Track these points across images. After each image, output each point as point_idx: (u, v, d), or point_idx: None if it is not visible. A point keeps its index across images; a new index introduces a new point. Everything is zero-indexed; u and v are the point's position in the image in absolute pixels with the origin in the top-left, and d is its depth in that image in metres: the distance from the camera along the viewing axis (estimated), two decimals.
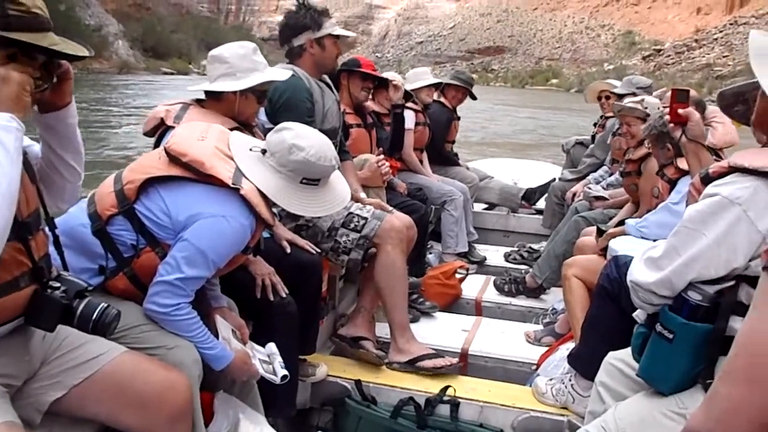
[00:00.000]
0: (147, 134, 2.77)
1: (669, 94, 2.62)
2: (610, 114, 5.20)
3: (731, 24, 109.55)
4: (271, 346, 2.47)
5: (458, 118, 5.88)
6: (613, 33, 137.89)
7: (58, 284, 1.64)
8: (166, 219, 2.08)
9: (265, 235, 2.61)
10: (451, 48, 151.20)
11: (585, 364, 2.71)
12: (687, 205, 1.85)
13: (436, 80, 5.33)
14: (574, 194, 5.16)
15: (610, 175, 5.11)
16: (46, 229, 1.76)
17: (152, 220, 2.09)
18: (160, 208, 2.09)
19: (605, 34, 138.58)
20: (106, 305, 1.69)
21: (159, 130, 2.71)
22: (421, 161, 5.23)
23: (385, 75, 4.45)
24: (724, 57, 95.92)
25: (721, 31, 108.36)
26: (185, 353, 2.04)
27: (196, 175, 2.10)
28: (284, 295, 2.66)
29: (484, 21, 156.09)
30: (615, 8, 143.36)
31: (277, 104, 3.16)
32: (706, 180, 1.75)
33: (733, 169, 1.66)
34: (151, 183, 2.11)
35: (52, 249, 1.79)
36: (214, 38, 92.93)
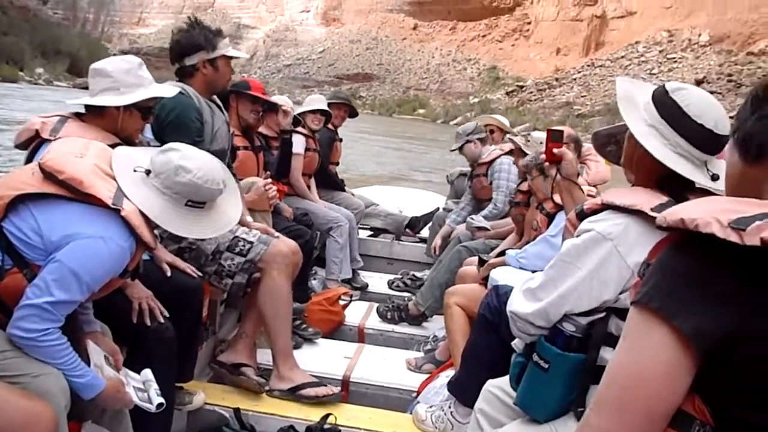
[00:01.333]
0: (19, 147, 2.61)
1: (545, 134, 2.74)
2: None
3: (588, 65, 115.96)
4: (147, 373, 2.36)
5: (340, 140, 5.92)
6: (479, 67, 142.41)
7: None
8: (36, 239, 1.96)
9: (145, 257, 2.51)
10: (320, 72, 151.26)
11: (464, 392, 2.76)
12: (563, 239, 1.94)
13: (324, 106, 5.35)
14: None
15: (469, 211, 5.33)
16: None
17: (21, 239, 1.96)
18: (30, 227, 1.96)
19: (471, 67, 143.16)
20: None
21: (33, 143, 2.56)
22: (308, 186, 5.22)
23: (274, 99, 4.42)
24: (582, 96, 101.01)
25: (579, 72, 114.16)
26: (52, 381, 1.92)
27: (73, 193, 2.00)
28: (162, 320, 2.56)
29: (353, 47, 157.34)
30: (481, 43, 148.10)
31: (165, 122, 3.07)
32: (581, 216, 1.84)
33: (605, 207, 1.76)
34: (21, 200, 1.99)
35: None
36: (55, 45, 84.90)
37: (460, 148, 5.40)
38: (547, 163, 2.61)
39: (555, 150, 2.54)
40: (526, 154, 3.85)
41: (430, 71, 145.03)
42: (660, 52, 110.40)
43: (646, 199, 1.69)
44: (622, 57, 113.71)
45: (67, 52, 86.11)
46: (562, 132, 2.67)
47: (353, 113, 5.94)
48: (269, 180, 3.89)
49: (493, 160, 5.14)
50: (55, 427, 1.84)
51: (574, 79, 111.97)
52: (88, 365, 2.08)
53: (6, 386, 1.82)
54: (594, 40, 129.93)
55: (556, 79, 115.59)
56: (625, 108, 1.77)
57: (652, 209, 1.63)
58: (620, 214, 1.72)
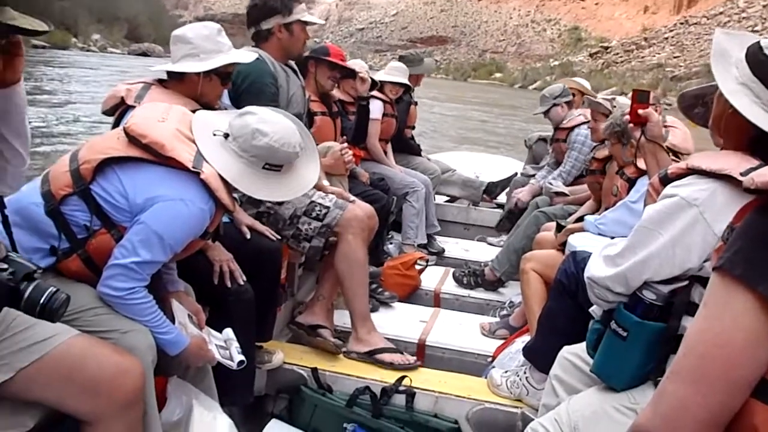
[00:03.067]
0: (106, 113, 2.70)
1: (631, 94, 2.65)
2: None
3: (681, 23, 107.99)
4: (228, 332, 2.44)
5: (416, 103, 5.88)
6: (559, 28, 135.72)
7: (5, 266, 1.58)
8: (123, 201, 2.03)
9: (225, 219, 2.58)
10: (392, 36, 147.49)
11: (540, 358, 2.74)
12: (645, 205, 1.88)
13: (405, 80, 5.32)
14: (517, 199, 5.28)
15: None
16: None
17: (108, 201, 2.04)
18: (117, 190, 2.04)
19: (551, 28, 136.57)
20: (55, 290, 1.63)
21: (119, 110, 2.65)
22: (385, 152, 5.22)
23: (351, 65, 4.43)
24: (675, 57, 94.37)
25: (671, 30, 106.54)
26: (139, 338, 2.00)
27: (155, 157, 2.06)
28: (242, 283, 2.64)
29: (427, 9, 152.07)
30: (561, 3, 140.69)
31: (241, 87, 3.12)
32: (665, 181, 1.78)
33: (691, 171, 1.69)
34: (108, 164, 2.06)
35: (0, 228, 1.74)
36: (113, 10, 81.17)
37: (546, 112, 5.29)
38: (631, 125, 2.53)
39: (640, 111, 2.46)
40: (605, 118, 3.74)
41: (508, 33, 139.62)
42: (764, 6, 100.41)
43: (735, 162, 1.61)
44: (720, 13, 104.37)
45: (125, 18, 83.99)
46: (648, 93, 2.57)
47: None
48: (345, 144, 3.91)
49: (573, 127, 5.03)
50: (143, 380, 1.93)
51: (666, 39, 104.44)
52: (173, 323, 2.16)
53: (98, 341, 1.91)
54: None
55: (645, 39, 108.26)
56: (717, 65, 1.67)
57: (741, 174, 1.55)
58: (707, 179, 1.65)
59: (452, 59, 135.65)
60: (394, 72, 5.27)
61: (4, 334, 1.75)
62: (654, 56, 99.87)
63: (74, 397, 1.81)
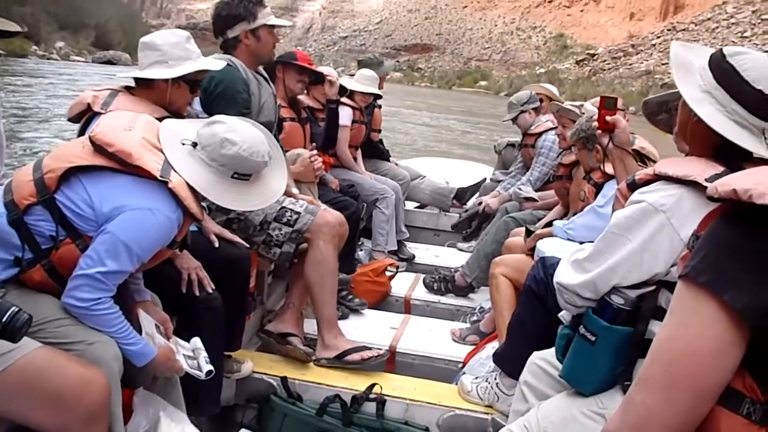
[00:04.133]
0: (72, 120, 2.66)
1: (598, 100, 2.68)
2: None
3: (669, 30, 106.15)
4: (196, 341, 2.42)
5: (379, 106, 5.88)
6: (545, 35, 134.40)
7: None
8: (88, 210, 2.00)
9: (193, 228, 2.55)
10: (376, 44, 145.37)
11: (510, 363, 2.75)
12: (613, 210, 1.90)
13: (378, 92, 5.31)
14: (486, 205, 5.31)
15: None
16: None
17: (74, 211, 2.00)
18: (82, 199, 2.01)
19: (536, 36, 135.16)
20: (17, 309, 1.59)
21: (85, 117, 2.61)
22: (354, 158, 5.22)
23: (320, 69, 4.42)
24: (663, 64, 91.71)
25: (658, 37, 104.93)
26: (105, 349, 1.97)
27: (122, 165, 2.03)
28: (210, 290, 2.61)
29: (411, 17, 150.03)
30: (547, 10, 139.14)
31: (213, 94, 3.09)
32: (633, 186, 1.80)
33: (658, 177, 1.71)
34: (73, 172, 2.03)
35: None
36: (79, 17, 75.24)
37: (514, 119, 5.33)
38: (599, 131, 2.56)
39: (608, 117, 2.48)
40: (573, 124, 3.78)
41: (493, 41, 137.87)
42: (753, 12, 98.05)
43: (700, 169, 1.63)
44: (708, 19, 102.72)
45: (93, 24, 79.42)
46: (615, 99, 2.60)
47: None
48: (315, 151, 3.91)
49: (541, 133, 5.08)
50: (109, 392, 1.90)
51: (653, 45, 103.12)
52: (140, 333, 2.13)
53: (62, 353, 1.88)
54: (672, 2, 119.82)
55: (632, 46, 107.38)
56: (678, 73, 1.69)
57: (707, 179, 1.57)
58: (673, 185, 1.67)
59: (437, 67, 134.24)
60: (365, 81, 5.25)
61: None
62: (642, 63, 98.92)
63: (37, 410, 1.77)
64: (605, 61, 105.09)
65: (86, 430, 1.83)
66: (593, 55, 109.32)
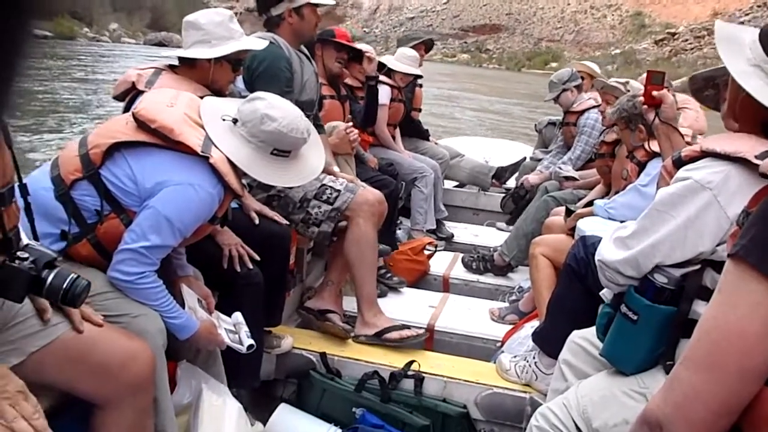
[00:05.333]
0: (117, 98, 2.71)
1: (644, 75, 2.63)
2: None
3: (759, 6, 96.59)
4: (237, 316, 2.45)
5: (420, 85, 5.85)
6: (621, 14, 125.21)
7: (26, 255, 1.60)
8: (131, 185, 2.04)
9: (234, 205, 2.58)
10: (444, 25, 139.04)
11: (549, 343, 2.74)
12: (658, 188, 1.86)
13: (418, 72, 5.28)
14: (525, 179, 5.27)
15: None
16: (19, 198, 1.71)
17: (118, 186, 2.04)
18: (126, 174, 2.04)
19: (612, 15, 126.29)
20: (76, 276, 1.65)
21: (130, 95, 2.64)
22: (393, 137, 5.21)
23: (358, 46, 4.40)
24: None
25: (747, 14, 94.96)
26: (150, 322, 2.01)
27: (164, 141, 2.06)
28: (251, 266, 2.64)
29: None
30: None
31: (256, 72, 3.11)
32: (679, 163, 1.76)
33: (705, 154, 1.67)
34: (117, 148, 2.06)
35: (22, 216, 1.74)
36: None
37: (556, 98, 5.27)
38: (645, 107, 2.51)
39: (654, 93, 2.43)
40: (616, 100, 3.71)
41: (565, 20, 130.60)
42: None
43: (749, 145, 1.58)
44: None
45: (150, 6, 79.50)
46: (663, 74, 2.55)
47: (429, 47, 5.84)
48: (350, 123, 3.90)
49: (583, 111, 5.01)
50: (154, 364, 1.94)
51: (742, 23, 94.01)
52: (183, 307, 2.17)
53: (108, 325, 1.92)
54: None
55: None
56: (725, 47, 1.64)
57: (756, 156, 1.53)
58: (721, 162, 1.63)
59: (506, 48, 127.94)
60: (405, 60, 5.20)
61: (15, 319, 1.75)
62: None
63: (84, 381, 1.82)
64: (687, 40, 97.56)
65: (133, 400, 1.87)
66: (674, 34, 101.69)
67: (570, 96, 5.20)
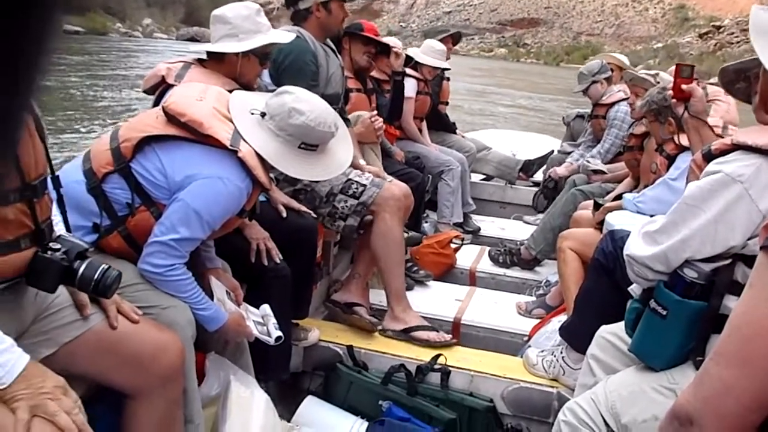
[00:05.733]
0: (147, 92, 2.74)
1: (674, 68, 2.60)
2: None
3: None
4: (266, 308, 2.47)
5: (448, 79, 5.83)
6: (663, 7, 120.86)
7: (58, 246, 1.63)
8: (161, 178, 2.06)
9: (261, 198, 2.60)
10: (481, 19, 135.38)
11: (577, 337, 2.72)
12: (687, 182, 1.84)
13: (446, 65, 5.26)
14: (552, 171, 5.23)
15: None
16: (51, 191, 1.74)
17: (148, 179, 2.07)
18: (156, 168, 2.07)
19: (654, 8, 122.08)
20: (107, 266, 1.68)
21: (159, 89, 2.67)
22: (420, 130, 5.20)
23: (386, 40, 4.40)
24: None
25: None
26: (179, 314, 2.04)
27: (193, 135, 2.08)
28: (278, 261, 2.66)
29: None
30: None
31: (282, 66, 3.13)
32: (709, 157, 1.74)
33: (736, 147, 1.65)
34: (147, 142, 2.09)
35: (54, 208, 1.77)
36: None
37: (585, 90, 5.22)
38: (674, 100, 2.47)
39: (684, 86, 2.40)
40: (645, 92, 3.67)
41: (606, 13, 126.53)
42: None
43: None
44: None
45: (183, 0, 78.20)
46: (692, 67, 2.51)
47: (457, 40, 5.83)
48: (375, 112, 3.91)
49: (612, 104, 4.95)
50: (184, 355, 1.96)
51: None
52: (212, 299, 2.20)
53: (139, 317, 1.95)
54: None
55: None
56: (758, 38, 1.62)
57: None
58: (752, 155, 1.60)
59: (544, 42, 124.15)
60: (432, 53, 5.17)
61: (48, 310, 1.79)
62: None
63: (116, 371, 1.84)
64: (733, 33, 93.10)
65: (163, 390, 1.89)
66: (719, 27, 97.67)
67: (600, 88, 5.14)
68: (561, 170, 5.20)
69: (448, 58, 5.38)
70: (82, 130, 11.79)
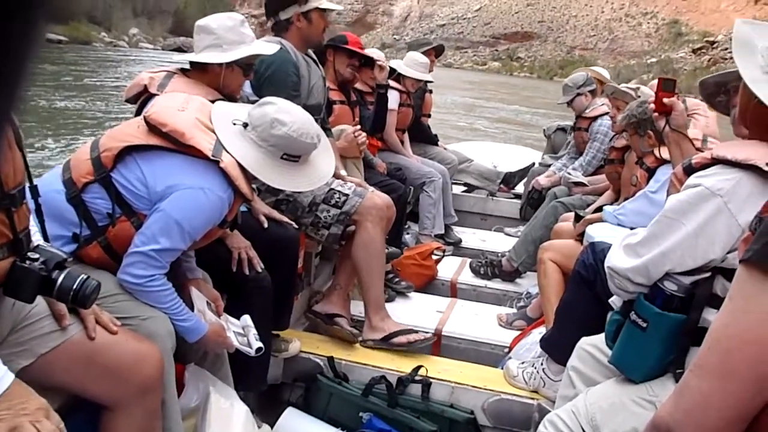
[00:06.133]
0: (129, 101, 2.72)
1: (656, 82, 2.63)
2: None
3: None
4: (246, 319, 2.46)
5: (430, 91, 5.86)
6: (657, 22, 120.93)
7: (36, 256, 1.61)
8: (143, 189, 2.05)
9: (243, 209, 2.59)
10: (475, 32, 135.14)
11: (557, 349, 2.73)
12: (668, 195, 1.86)
13: (429, 78, 5.29)
14: (535, 181, 5.28)
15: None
16: (30, 200, 1.72)
17: (129, 189, 2.05)
18: (137, 178, 2.05)
19: (647, 23, 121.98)
20: (86, 277, 1.66)
21: (141, 98, 2.66)
22: (402, 142, 5.21)
23: (369, 53, 4.41)
24: None
25: None
26: (159, 324, 2.02)
27: (175, 145, 2.07)
28: (260, 270, 2.65)
29: (512, 4, 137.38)
30: None
31: (264, 76, 3.13)
32: (689, 170, 1.76)
33: (715, 161, 1.67)
34: (128, 152, 2.07)
35: (32, 217, 1.75)
36: (157, 2, 72.21)
37: (570, 102, 5.26)
38: (655, 114, 2.50)
39: (665, 100, 2.43)
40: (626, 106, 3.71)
41: (599, 28, 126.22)
42: None
43: (761, 153, 1.58)
44: None
45: (171, 11, 77.86)
46: (674, 81, 2.54)
47: (439, 53, 5.87)
48: (358, 126, 3.91)
49: (596, 117, 5.00)
50: (163, 366, 1.94)
51: None
52: (192, 310, 2.18)
53: (118, 328, 1.93)
54: None
55: None
56: (739, 53, 1.64)
57: (767, 164, 1.53)
58: (732, 169, 1.62)
59: (537, 56, 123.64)
60: (415, 66, 5.19)
61: (25, 321, 1.76)
62: None
63: (94, 382, 1.82)
64: (726, 49, 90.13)
65: (141, 402, 1.87)
66: (712, 42, 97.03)
67: (584, 101, 5.18)
68: (543, 180, 5.25)
69: (430, 71, 5.40)
70: (62, 141, 11.67)
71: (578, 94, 5.20)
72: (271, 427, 2.76)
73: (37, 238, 1.77)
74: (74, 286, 1.64)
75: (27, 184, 1.70)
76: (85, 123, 14.12)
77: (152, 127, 2.09)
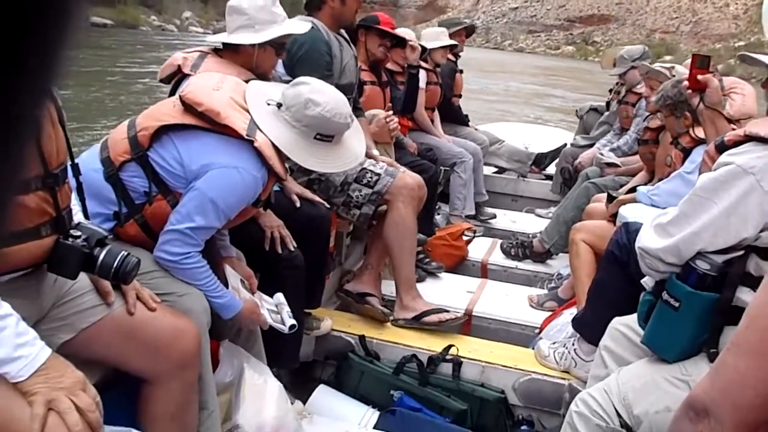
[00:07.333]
0: (163, 81, 2.75)
1: (690, 59, 2.58)
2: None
3: None
4: (279, 296, 2.49)
5: (461, 71, 5.83)
6: (746, 3, 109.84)
7: (78, 233, 1.65)
8: (178, 167, 2.08)
9: (275, 188, 2.61)
10: (548, 15, 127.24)
11: (589, 329, 2.72)
12: (700, 173, 1.84)
13: (452, 42, 5.27)
14: (578, 163, 5.20)
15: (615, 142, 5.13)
16: (71, 178, 1.76)
17: (165, 168, 2.09)
18: (173, 157, 2.09)
19: (735, 3, 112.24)
20: (126, 253, 1.70)
21: (175, 78, 2.69)
22: (432, 121, 5.20)
23: (401, 33, 4.40)
24: None
25: None
26: (195, 301, 2.06)
27: (210, 124, 2.10)
28: (292, 249, 2.68)
29: None
30: None
31: (296, 56, 3.14)
32: (721, 148, 1.74)
33: (749, 138, 1.64)
34: (164, 131, 2.10)
35: (74, 196, 1.80)
36: None
37: (624, 74, 5.19)
38: (690, 91, 2.46)
39: (699, 77, 2.39)
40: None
41: (682, 9, 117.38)
42: None
43: None
44: None
45: None
46: (709, 58, 2.50)
47: (470, 33, 5.87)
48: (390, 112, 3.91)
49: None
50: (199, 342, 1.98)
51: None
52: (226, 287, 2.22)
53: (157, 304, 1.97)
54: None
55: None
56: None
57: None
58: (765, 146, 1.60)
59: (614, 40, 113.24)
60: (437, 36, 5.21)
61: (66, 296, 1.81)
62: None
63: (134, 356, 1.87)
64: None
65: (178, 376, 1.92)
66: None
67: (637, 75, 5.09)
68: (585, 160, 5.16)
69: (461, 50, 5.38)
70: (103, 120, 11.80)
71: (633, 67, 5.11)
72: (304, 404, 2.80)
73: (78, 216, 1.81)
74: (115, 263, 1.68)
75: (69, 163, 1.74)
76: (126, 106, 14.22)
77: (188, 107, 2.12)
